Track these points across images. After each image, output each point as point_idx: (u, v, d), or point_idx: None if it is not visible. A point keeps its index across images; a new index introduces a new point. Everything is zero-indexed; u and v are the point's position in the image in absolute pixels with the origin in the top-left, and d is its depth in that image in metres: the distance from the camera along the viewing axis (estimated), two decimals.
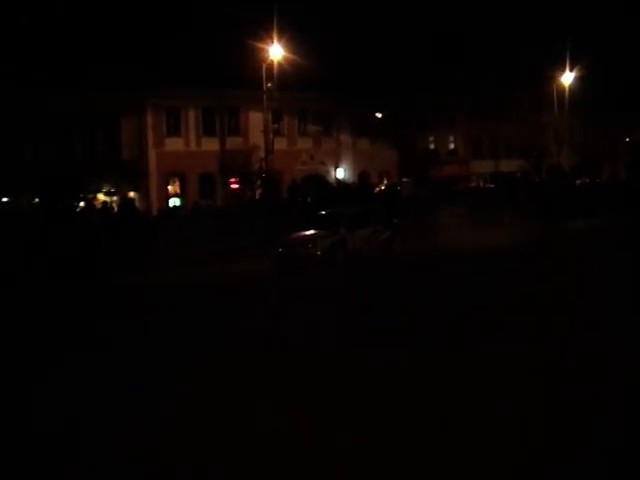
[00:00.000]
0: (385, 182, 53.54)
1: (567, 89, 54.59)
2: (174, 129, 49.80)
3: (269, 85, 42.46)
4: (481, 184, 55.65)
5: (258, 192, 45.41)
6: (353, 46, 49.06)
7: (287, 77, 42.12)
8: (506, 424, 7.22)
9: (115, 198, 43.61)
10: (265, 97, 42.68)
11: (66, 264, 23.69)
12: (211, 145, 50.47)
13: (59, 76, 41.25)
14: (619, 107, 59.06)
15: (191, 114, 50.29)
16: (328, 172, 54.33)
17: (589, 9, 68.72)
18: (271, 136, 45.66)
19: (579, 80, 54.17)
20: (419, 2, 58.63)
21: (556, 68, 53.81)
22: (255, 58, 41.91)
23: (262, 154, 45.09)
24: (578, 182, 47.15)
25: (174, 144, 49.34)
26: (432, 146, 60.70)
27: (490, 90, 53.48)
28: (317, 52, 43.53)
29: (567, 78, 53.98)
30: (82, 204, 38.00)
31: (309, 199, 35.65)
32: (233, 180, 50.10)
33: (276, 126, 50.16)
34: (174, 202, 48.53)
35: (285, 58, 41.61)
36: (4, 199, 41.63)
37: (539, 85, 53.61)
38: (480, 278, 17.65)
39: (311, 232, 24.24)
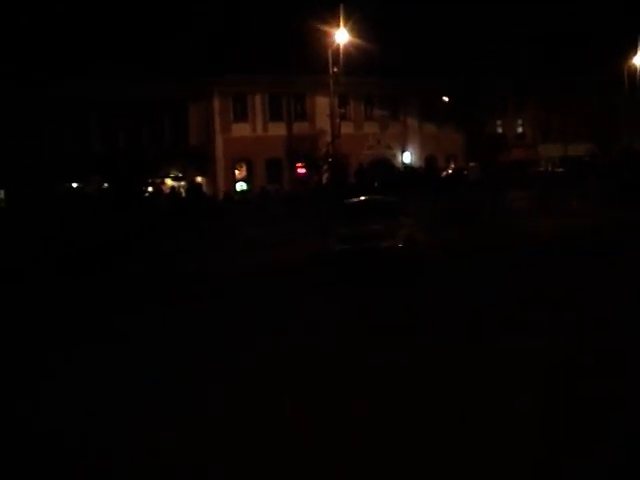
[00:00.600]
0: (452, 166, 53.38)
1: (638, 70, 53.45)
2: (241, 115, 50.28)
3: (335, 70, 42.66)
4: (550, 168, 54.74)
5: (325, 177, 45.66)
6: (418, 29, 48.95)
7: (353, 61, 42.33)
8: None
9: (183, 183, 44.32)
10: (331, 82, 42.90)
11: (132, 248, 24.34)
12: (278, 130, 50.82)
13: (126, 64, 42.10)
14: None
15: (257, 99, 50.69)
16: (395, 156, 54.38)
17: None
18: (338, 120, 45.83)
19: None
20: None
21: (627, 49, 52.88)
22: (321, 43, 42.20)
23: (329, 139, 45.37)
24: None
25: (241, 129, 49.82)
26: (500, 130, 60.33)
27: (557, 73, 52.93)
28: (383, 36, 43.68)
29: (638, 59, 52.96)
30: (150, 189, 38.83)
31: (376, 184, 35.77)
32: (300, 165, 50.52)
33: (342, 110, 50.37)
34: (241, 187, 49.12)
35: (351, 42, 41.82)
36: (74, 184, 42.68)
37: (609, 66, 52.43)
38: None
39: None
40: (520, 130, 62.49)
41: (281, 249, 25.19)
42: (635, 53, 53.09)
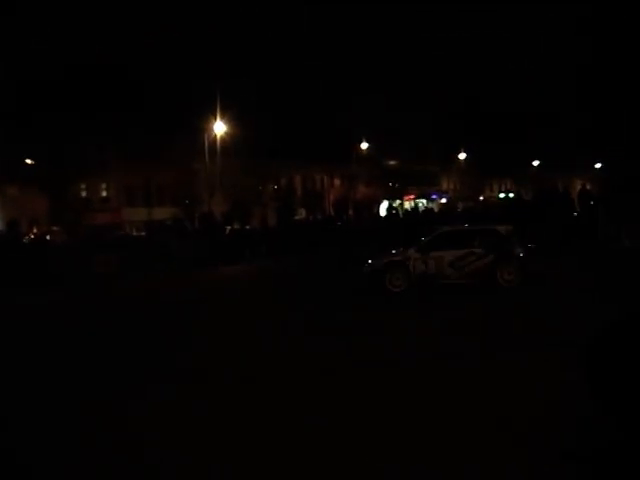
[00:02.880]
0: (34, 230, 52.62)
1: (218, 137, 56.16)
2: None
3: None
4: (134, 232, 55.01)
5: None
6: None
7: None
8: None
9: None
10: None
11: None
12: None
13: None
14: (268, 155, 63.31)
15: None
16: None
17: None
18: None
19: (231, 129, 56.08)
20: None
21: (207, 116, 55.37)
22: None
23: None
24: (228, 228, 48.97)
25: None
26: (84, 194, 60.93)
27: (140, 137, 54.89)
28: None
29: (218, 127, 55.88)
30: None
31: None
32: None
33: None
34: None
35: None
36: None
37: (191, 132, 55.35)
38: None
39: None
40: (105, 194, 63.70)
41: None
42: (215, 120, 56.17)
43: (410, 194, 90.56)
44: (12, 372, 13.11)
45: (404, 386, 10.17)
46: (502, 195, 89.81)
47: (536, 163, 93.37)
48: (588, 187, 60.96)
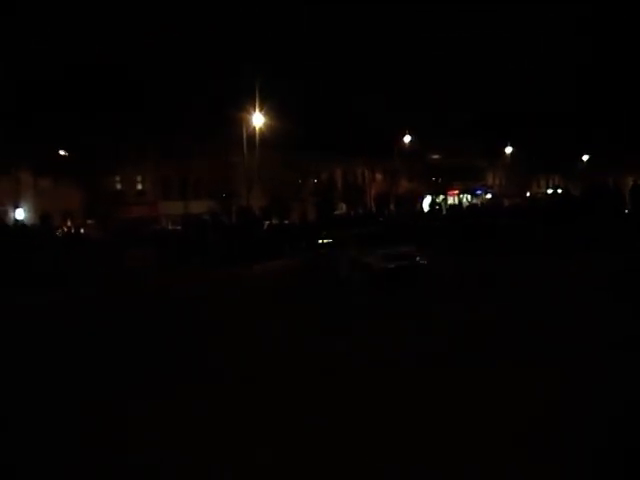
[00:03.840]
0: (69, 223, 52.56)
1: (257, 129, 55.08)
2: None
3: None
4: (170, 226, 55.06)
5: None
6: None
7: None
8: None
9: None
10: None
11: None
12: None
13: None
14: (308, 148, 62.61)
15: None
16: (6, 213, 52.58)
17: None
18: None
19: (270, 120, 55.05)
20: None
21: (246, 107, 54.49)
22: None
23: None
24: (267, 223, 48.37)
25: None
26: (119, 186, 60.67)
27: (177, 128, 54.38)
28: None
29: (257, 118, 55.20)
30: None
31: None
32: None
33: None
34: None
35: None
36: None
37: (228, 123, 54.65)
38: None
39: None
40: (140, 187, 63.32)
41: None
42: (254, 111, 54.74)
43: (454, 189, 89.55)
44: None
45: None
46: (550, 191, 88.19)
47: (586, 158, 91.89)
48: None
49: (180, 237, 41.93)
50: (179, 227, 50.10)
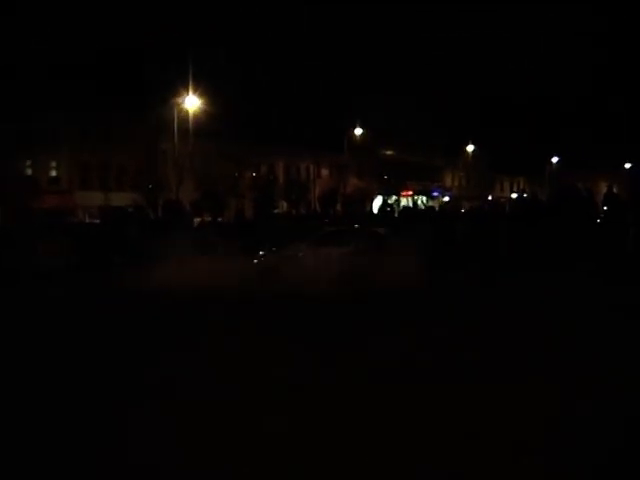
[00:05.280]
0: None
1: (190, 113, 53.39)
2: None
3: None
4: (87, 219, 52.58)
5: None
6: None
7: None
8: None
9: None
10: None
11: None
12: None
13: None
14: (246, 137, 61.90)
15: None
16: None
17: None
18: None
19: (206, 105, 53.58)
20: None
21: (179, 89, 52.67)
22: None
23: None
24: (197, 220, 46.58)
25: None
26: (29, 171, 58.37)
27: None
28: None
29: (190, 101, 52.55)
30: None
31: None
32: None
33: None
34: None
35: None
36: None
37: (158, 106, 53.00)
38: None
39: None
40: (54, 173, 60.49)
41: None
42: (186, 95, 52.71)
43: (408, 189, 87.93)
44: None
45: (404, 386, 10.51)
46: (514, 195, 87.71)
47: (555, 160, 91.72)
48: (615, 190, 57.72)
49: (99, 232, 38.79)
50: (97, 220, 47.21)
